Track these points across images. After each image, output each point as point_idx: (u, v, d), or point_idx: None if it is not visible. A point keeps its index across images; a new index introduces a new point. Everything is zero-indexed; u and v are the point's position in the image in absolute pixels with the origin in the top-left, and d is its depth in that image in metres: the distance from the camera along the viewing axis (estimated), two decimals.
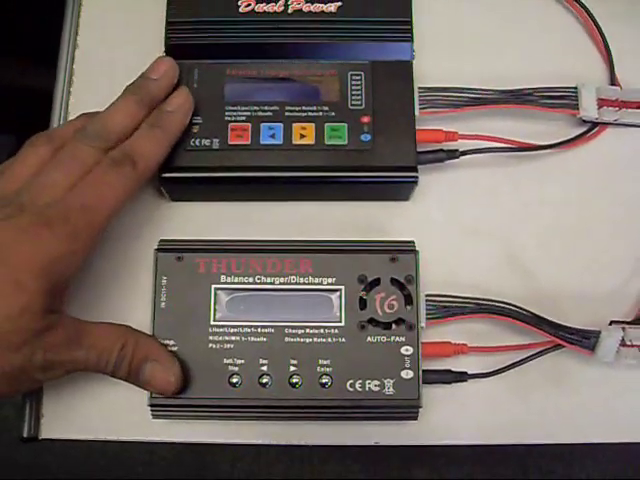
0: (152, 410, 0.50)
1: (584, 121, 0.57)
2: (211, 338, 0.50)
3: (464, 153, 0.55)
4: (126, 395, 0.52)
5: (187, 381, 0.49)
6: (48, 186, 0.46)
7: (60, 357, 0.45)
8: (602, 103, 0.56)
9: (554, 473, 1.25)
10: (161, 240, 0.52)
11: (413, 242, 0.52)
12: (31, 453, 1.22)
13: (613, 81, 0.58)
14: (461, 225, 0.56)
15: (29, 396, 0.53)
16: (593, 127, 0.57)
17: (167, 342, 0.50)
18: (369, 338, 0.50)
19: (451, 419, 0.53)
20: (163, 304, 0.50)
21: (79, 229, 0.46)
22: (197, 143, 0.53)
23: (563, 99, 0.56)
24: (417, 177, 0.53)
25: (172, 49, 0.55)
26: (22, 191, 0.46)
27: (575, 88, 0.56)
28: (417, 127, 0.54)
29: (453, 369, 0.52)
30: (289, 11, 0.55)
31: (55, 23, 0.61)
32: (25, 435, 0.53)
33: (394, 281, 0.51)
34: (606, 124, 0.57)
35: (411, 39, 0.55)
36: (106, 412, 0.53)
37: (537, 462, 1.24)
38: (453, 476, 1.24)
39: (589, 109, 0.56)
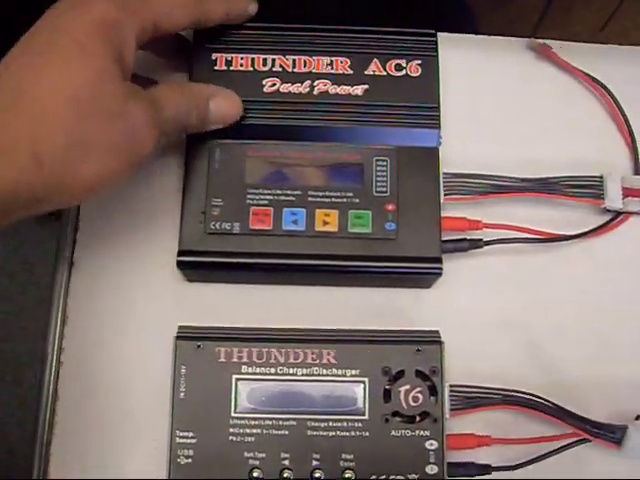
0: None
1: (608, 210, 0.57)
2: (232, 430, 0.50)
3: (488, 243, 0.55)
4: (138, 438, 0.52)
5: (207, 474, 0.49)
6: None
7: (158, 116, 0.47)
8: (627, 192, 0.57)
9: None
10: (180, 327, 0.52)
11: (438, 332, 0.52)
12: None
13: (637, 170, 0.59)
14: (483, 313, 0.57)
15: (38, 436, 0.53)
16: (617, 216, 0.58)
17: (186, 434, 0.49)
18: (393, 432, 0.50)
19: None
20: (182, 394, 0.50)
21: None
22: (217, 226, 0.53)
23: (588, 188, 0.57)
24: (441, 268, 0.53)
25: None
26: None
27: (601, 177, 0.57)
28: (441, 214, 0.54)
29: (476, 461, 0.52)
30: (315, 92, 0.56)
31: None
32: (35, 477, 0.52)
33: (419, 373, 0.51)
34: (630, 213, 0.57)
35: (438, 126, 0.55)
36: (118, 452, 0.53)
37: None
38: None
39: (614, 200, 0.56)
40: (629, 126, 0.60)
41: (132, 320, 0.55)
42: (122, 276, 0.55)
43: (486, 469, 0.52)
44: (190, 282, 0.56)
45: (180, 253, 0.53)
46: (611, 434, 0.52)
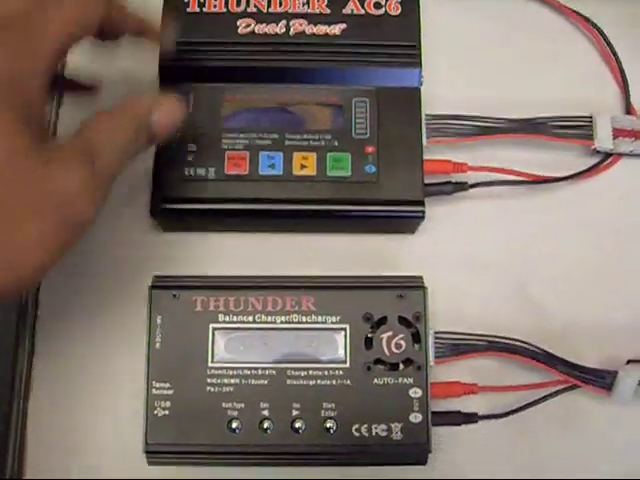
0: (148, 457, 0.49)
1: (598, 152, 0.56)
2: (209, 381, 0.49)
3: (473, 186, 0.54)
4: (116, 433, 0.52)
5: (184, 426, 0.48)
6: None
7: (93, 170, 0.40)
8: (617, 133, 0.56)
9: None
10: (155, 276, 0.50)
11: (421, 278, 0.51)
12: None
13: (628, 110, 0.58)
14: (469, 259, 0.56)
15: (12, 434, 0.52)
16: (606, 158, 0.56)
17: (162, 385, 0.48)
18: (376, 380, 0.49)
19: (459, 462, 0.53)
20: (158, 344, 0.49)
21: (33, 36, 0.40)
22: (192, 172, 0.52)
23: (577, 129, 0.55)
24: (424, 212, 0.52)
25: (166, 70, 0.54)
26: None
27: (590, 118, 0.56)
28: (424, 157, 0.53)
29: (463, 410, 0.52)
30: (291, 33, 0.54)
31: None
32: (7, 477, 0.51)
33: (401, 319, 0.50)
34: (620, 155, 0.56)
35: (419, 65, 0.54)
36: (96, 450, 0.52)
37: None
38: None
39: (604, 140, 0.55)
40: (620, 64, 0.59)
41: (107, 271, 0.55)
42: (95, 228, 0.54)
43: (472, 417, 0.52)
44: (165, 232, 0.55)
45: (154, 201, 0.52)
46: (601, 379, 0.52)
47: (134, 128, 0.44)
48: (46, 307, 0.54)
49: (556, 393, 0.52)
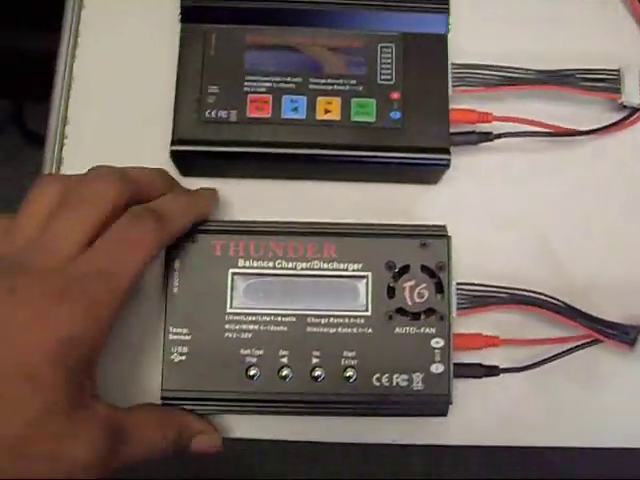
0: (164, 403, 0.48)
1: (624, 106, 0.55)
2: (227, 327, 0.48)
3: (498, 136, 0.53)
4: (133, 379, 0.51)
5: (201, 373, 0.48)
6: (57, 242, 0.41)
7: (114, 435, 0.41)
8: None
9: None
10: None
11: (445, 227, 0.50)
12: None
13: None
14: (492, 211, 0.55)
15: None
16: (633, 113, 0.55)
17: (180, 330, 0.48)
18: (397, 329, 0.49)
19: (477, 417, 0.52)
20: (176, 289, 0.48)
21: (99, 301, 0.40)
22: (213, 114, 0.51)
23: (604, 82, 0.55)
24: (449, 160, 0.52)
25: (187, 11, 0.53)
26: (26, 251, 0.41)
27: (617, 71, 0.55)
28: (449, 106, 0.52)
29: (484, 363, 0.51)
30: None
31: None
32: None
33: (424, 268, 0.49)
34: None
35: (447, 11, 0.53)
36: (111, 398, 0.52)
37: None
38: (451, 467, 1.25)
39: (631, 94, 0.54)
40: None
41: None
42: None
43: (494, 370, 0.51)
44: (185, 177, 0.54)
45: (174, 142, 0.51)
46: (625, 334, 0.51)
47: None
48: None
49: (578, 347, 0.52)
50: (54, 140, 0.55)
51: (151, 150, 0.53)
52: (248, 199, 0.54)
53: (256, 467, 1.31)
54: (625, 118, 0.56)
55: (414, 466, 1.32)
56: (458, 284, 0.50)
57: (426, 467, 1.31)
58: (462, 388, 0.51)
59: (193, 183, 0.54)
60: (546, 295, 0.51)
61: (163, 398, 0.48)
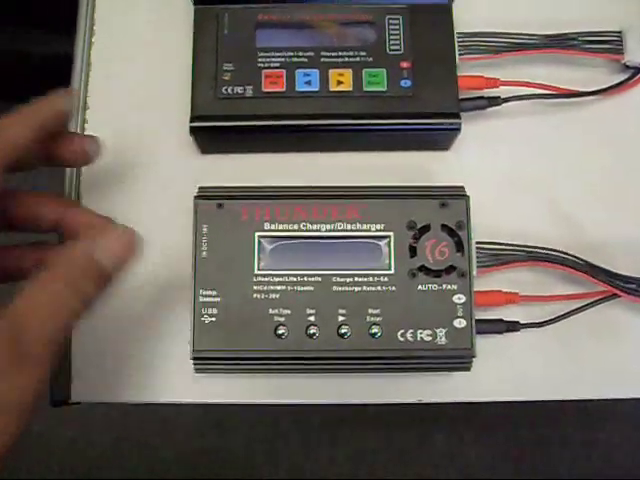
0: (195, 363, 0.51)
1: (627, 67, 0.59)
2: (255, 288, 0.51)
3: (506, 100, 0.57)
4: (155, 355, 0.55)
5: (231, 333, 0.50)
6: None
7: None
8: None
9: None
10: (200, 187, 0.52)
11: (463, 187, 0.53)
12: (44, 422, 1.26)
13: None
14: (503, 174, 0.58)
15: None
16: (637, 73, 0.59)
17: (210, 292, 0.51)
18: (420, 286, 0.51)
19: (498, 373, 0.55)
20: (204, 253, 0.51)
21: None
22: (229, 91, 0.55)
23: (607, 44, 0.58)
24: (460, 124, 0.55)
25: None
26: None
27: (619, 32, 0.58)
28: (457, 74, 0.56)
29: (505, 318, 0.54)
30: None
31: None
32: (55, 398, 0.53)
33: (444, 227, 0.52)
34: None
35: None
36: (136, 373, 0.55)
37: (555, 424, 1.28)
38: (472, 440, 1.27)
39: (634, 54, 0.58)
40: None
41: (148, 194, 0.57)
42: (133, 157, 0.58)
43: (514, 326, 0.54)
44: (204, 154, 0.58)
45: (192, 119, 0.54)
46: None
47: (73, 293, 0.40)
48: None
49: (596, 302, 0.54)
50: (75, 124, 0.58)
51: (171, 128, 0.57)
52: (268, 173, 0.57)
53: (280, 452, 1.33)
54: (629, 78, 0.59)
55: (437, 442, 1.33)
56: (478, 243, 0.53)
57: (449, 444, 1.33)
58: (484, 344, 0.54)
59: (213, 160, 0.57)
60: (564, 252, 0.54)
61: (195, 358, 0.50)
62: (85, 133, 0.58)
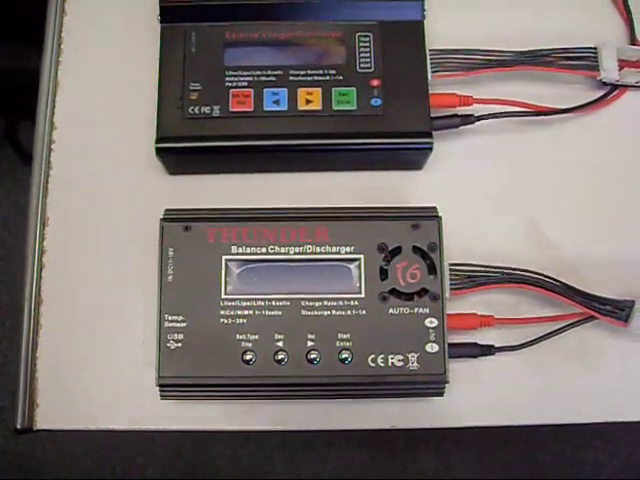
0: (161, 390, 0.50)
1: (604, 83, 0.59)
2: (222, 313, 0.50)
3: (479, 118, 0.57)
4: (124, 382, 0.54)
5: (197, 359, 0.50)
6: None
7: None
8: (623, 64, 0.58)
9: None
10: (167, 210, 0.52)
11: (435, 208, 0.53)
12: (28, 444, 1.27)
13: (633, 41, 0.60)
14: (477, 193, 0.58)
15: (23, 385, 0.53)
16: (612, 90, 0.59)
17: (175, 317, 0.50)
18: (391, 310, 0.51)
19: (473, 397, 0.55)
20: (170, 277, 0.51)
21: None
22: (196, 110, 0.54)
23: (582, 60, 0.58)
24: (432, 143, 0.54)
25: (167, 11, 0.56)
26: None
27: (595, 49, 0.58)
28: (430, 91, 0.55)
29: (479, 342, 0.53)
30: None
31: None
32: (19, 426, 0.53)
33: (416, 249, 0.52)
34: (626, 86, 0.59)
35: None
36: (104, 400, 0.54)
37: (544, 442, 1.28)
38: (459, 459, 1.27)
39: (610, 71, 0.58)
40: None
41: (114, 216, 0.57)
42: (99, 178, 0.58)
43: (489, 349, 0.53)
44: (171, 175, 0.57)
45: (158, 140, 0.54)
46: (620, 311, 0.53)
47: None
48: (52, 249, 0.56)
49: (572, 325, 0.54)
50: (42, 144, 0.58)
51: (139, 149, 0.56)
52: (236, 194, 0.57)
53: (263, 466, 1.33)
54: (604, 95, 0.59)
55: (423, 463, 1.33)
56: (451, 264, 0.53)
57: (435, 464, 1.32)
58: (458, 369, 0.54)
59: (180, 182, 0.57)
60: (540, 273, 0.54)
61: (160, 385, 0.50)
62: (52, 152, 0.57)
